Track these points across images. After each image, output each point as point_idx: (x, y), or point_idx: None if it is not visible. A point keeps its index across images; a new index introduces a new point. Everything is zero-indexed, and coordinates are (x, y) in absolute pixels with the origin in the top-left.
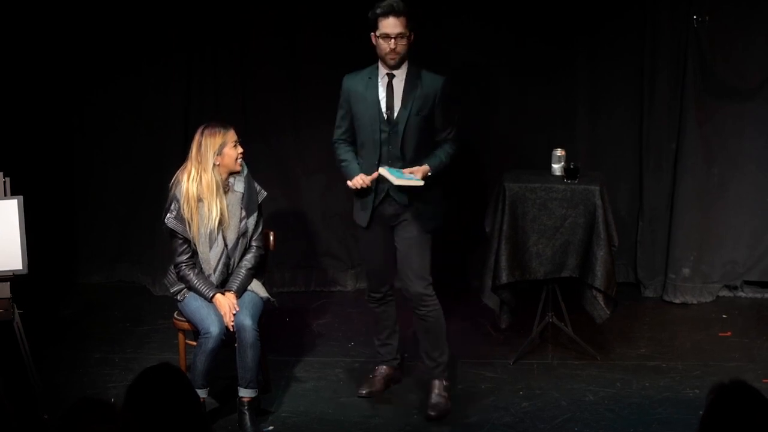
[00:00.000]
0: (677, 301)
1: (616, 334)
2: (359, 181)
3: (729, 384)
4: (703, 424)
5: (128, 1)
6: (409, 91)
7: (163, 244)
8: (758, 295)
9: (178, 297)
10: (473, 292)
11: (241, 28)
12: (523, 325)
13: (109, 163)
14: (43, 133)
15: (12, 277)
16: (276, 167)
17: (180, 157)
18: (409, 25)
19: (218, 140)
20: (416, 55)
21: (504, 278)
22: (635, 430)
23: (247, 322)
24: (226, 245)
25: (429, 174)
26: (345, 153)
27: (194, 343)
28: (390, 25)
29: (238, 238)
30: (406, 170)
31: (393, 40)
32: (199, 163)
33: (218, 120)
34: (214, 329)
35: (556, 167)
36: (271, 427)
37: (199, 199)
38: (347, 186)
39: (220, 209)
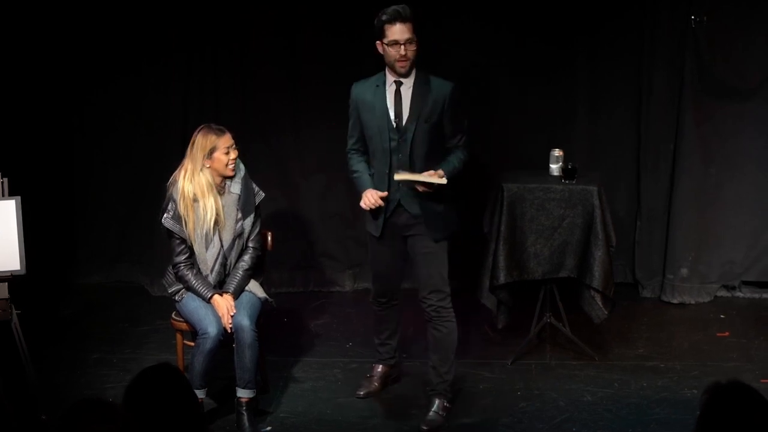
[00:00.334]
0: (675, 301)
1: (614, 335)
2: (370, 200)
3: (725, 383)
4: (700, 424)
5: (128, 1)
6: (417, 99)
7: (162, 245)
8: (756, 296)
9: (176, 297)
10: (471, 293)
11: (241, 28)
12: (521, 326)
13: (108, 163)
14: (42, 133)
15: (10, 278)
16: (275, 167)
17: (179, 158)
18: (416, 31)
19: (209, 144)
20: (417, 55)
21: (502, 278)
22: (633, 431)
23: (245, 322)
24: (222, 246)
25: (444, 178)
26: (357, 164)
27: (192, 344)
28: (398, 31)
29: (234, 239)
30: (422, 174)
31: (402, 47)
32: (192, 162)
33: (218, 123)
34: (212, 330)
35: (554, 167)
36: (269, 428)
37: (195, 199)
38: (360, 203)
39: (216, 209)
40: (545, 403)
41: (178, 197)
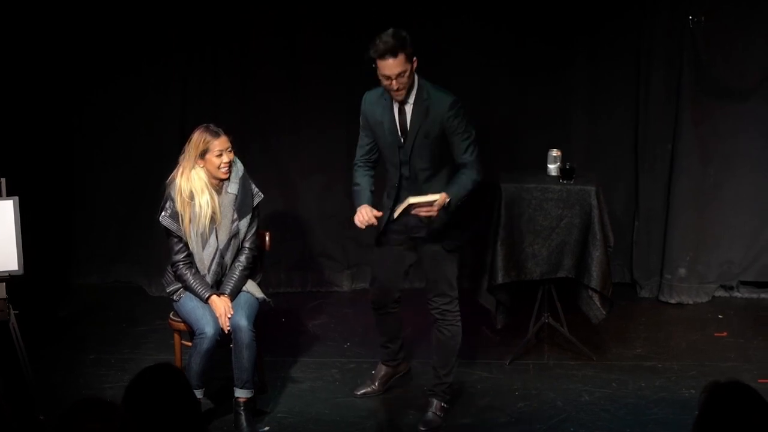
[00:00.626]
0: (673, 301)
1: (612, 335)
2: (363, 217)
3: (723, 383)
4: (698, 424)
5: (128, 1)
6: (417, 116)
7: (161, 245)
8: (754, 296)
9: (174, 297)
10: (469, 293)
11: (241, 28)
12: (519, 326)
13: (108, 163)
14: (42, 132)
15: (8, 278)
16: (274, 167)
17: (178, 158)
18: (409, 57)
19: (202, 144)
20: (417, 55)
21: (500, 279)
22: (631, 430)
23: (243, 322)
24: (219, 245)
25: (448, 202)
26: (360, 177)
27: (190, 344)
28: (387, 66)
29: (229, 239)
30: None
31: (394, 81)
32: (188, 160)
33: (217, 124)
34: (209, 330)
35: (552, 167)
36: (267, 428)
37: (191, 197)
38: (354, 218)
39: (212, 207)
40: (543, 403)
41: (175, 195)
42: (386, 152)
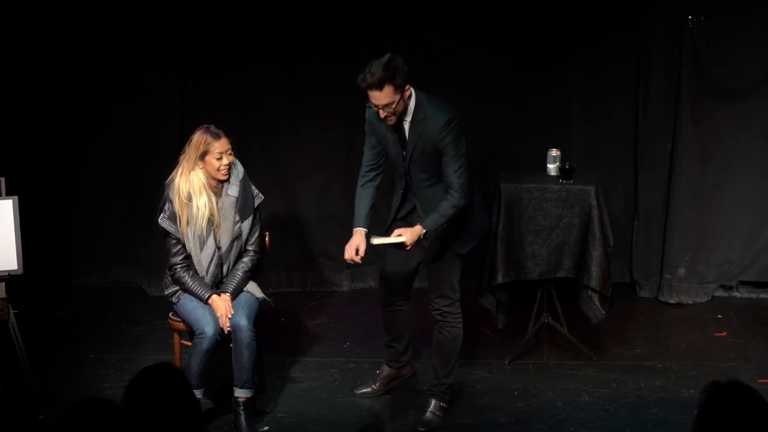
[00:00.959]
0: (672, 301)
1: (611, 335)
2: (348, 254)
3: (723, 383)
4: (697, 424)
5: (128, 1)
6: (413, 134)
7: (160, 245)
8: (754, 296)
9: (173, 299)
10: (469, 293)
11: (241, 28)
12: (519, 326)
13: (107, 163)
14: (41, 132)
15: (7, 277)
16: (274, 167)
17: (178, 158)
18: (399, 87)
19: (203, 146)
20: (417, 55)
21: (499, 278)
22: (631, 430)
23: (243, 322)
24: (218, 248)
25: (425, 234)
26: (362, 189)
27: (189, 344)
28: (374, 96)
29: (232, 242)
30: (397, 231)
31: (382, 110)
32: (187, 161)
33: (217, 124)
34: (209, 330)
35: (552, 167)
36: (266, 428)
37: (189, 198)
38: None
39: (209, 208)
40: (543, 403)
41: (173, 196)
42: (392, 161)
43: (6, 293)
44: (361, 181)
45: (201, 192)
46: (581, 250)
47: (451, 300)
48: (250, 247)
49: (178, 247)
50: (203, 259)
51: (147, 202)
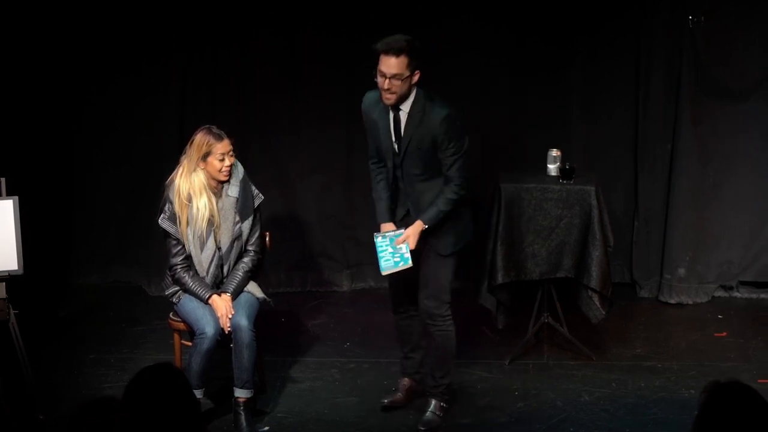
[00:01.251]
0: (673, 301)
1: (611, 335)
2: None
3: (723, 383)
4: (698, 424)
5: (128, 1)
6: (410, 126)
7: (160, 245)
8: (754, 296)
9: (174, 299)
10: (469, 293)
11: (241, 28)
12: (519, 326)
13: (107, 163)
14: (41, 132)
15: (8, 278)
16: (274, 167)
17: (178, 158)
18: (412, 65)
19: (205, 147)
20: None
21: (499, 279)
22: (631, 430)
23: (243, 322)
24: (219, 248)
25: (425, 228)
26: (376, 182)
27: (190, 344)
28: (387, 63)
29: (232, 242)
30: (401, 238)
31: (387, 80)
32: (188, 162)
33: (217, 124)
34: (209, 330)
35: (552, 167)
36: (266, 428)
37: (189, 198)
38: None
39: (210, 209)
40: (543, 403)
41: (173, 196)
42: (382, 153)
43: (6, 293)
44: (373, 174)
45: (201, 193)
46: (581, 250)
47: (440, 302)
48: (250, 248)
49: (179, 247)
50: (204, 259)
51: (147, 202)
